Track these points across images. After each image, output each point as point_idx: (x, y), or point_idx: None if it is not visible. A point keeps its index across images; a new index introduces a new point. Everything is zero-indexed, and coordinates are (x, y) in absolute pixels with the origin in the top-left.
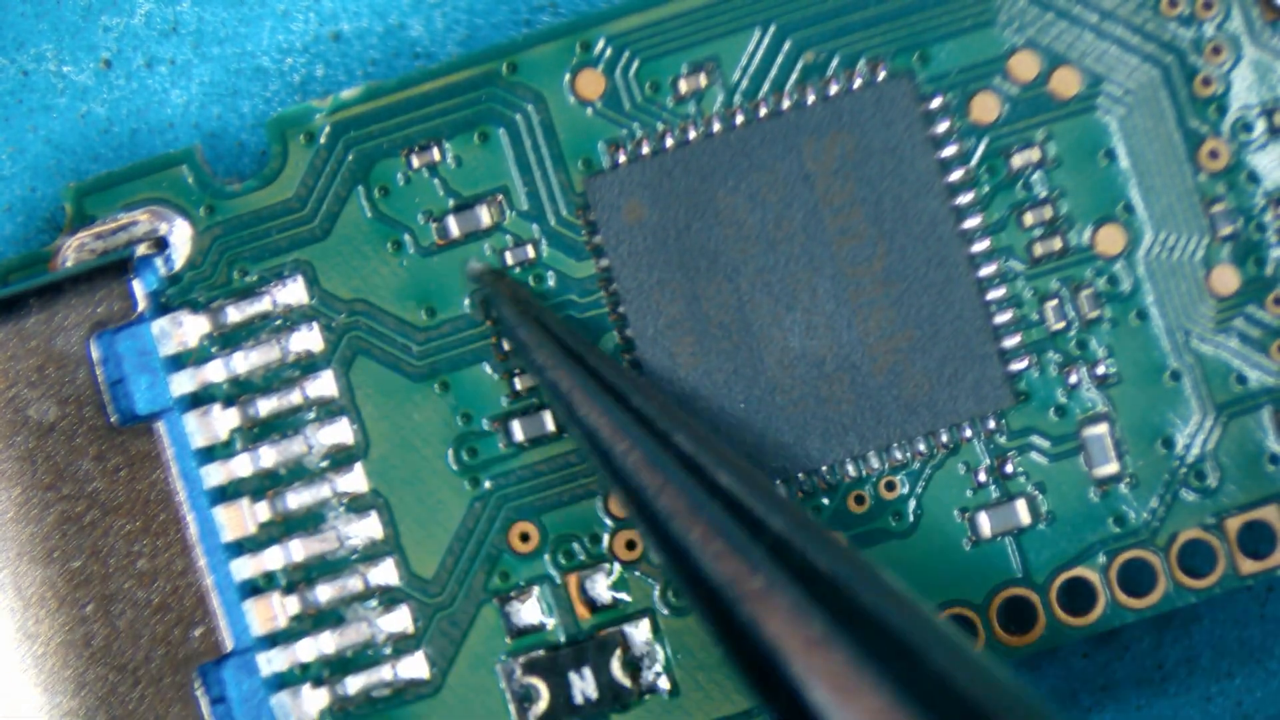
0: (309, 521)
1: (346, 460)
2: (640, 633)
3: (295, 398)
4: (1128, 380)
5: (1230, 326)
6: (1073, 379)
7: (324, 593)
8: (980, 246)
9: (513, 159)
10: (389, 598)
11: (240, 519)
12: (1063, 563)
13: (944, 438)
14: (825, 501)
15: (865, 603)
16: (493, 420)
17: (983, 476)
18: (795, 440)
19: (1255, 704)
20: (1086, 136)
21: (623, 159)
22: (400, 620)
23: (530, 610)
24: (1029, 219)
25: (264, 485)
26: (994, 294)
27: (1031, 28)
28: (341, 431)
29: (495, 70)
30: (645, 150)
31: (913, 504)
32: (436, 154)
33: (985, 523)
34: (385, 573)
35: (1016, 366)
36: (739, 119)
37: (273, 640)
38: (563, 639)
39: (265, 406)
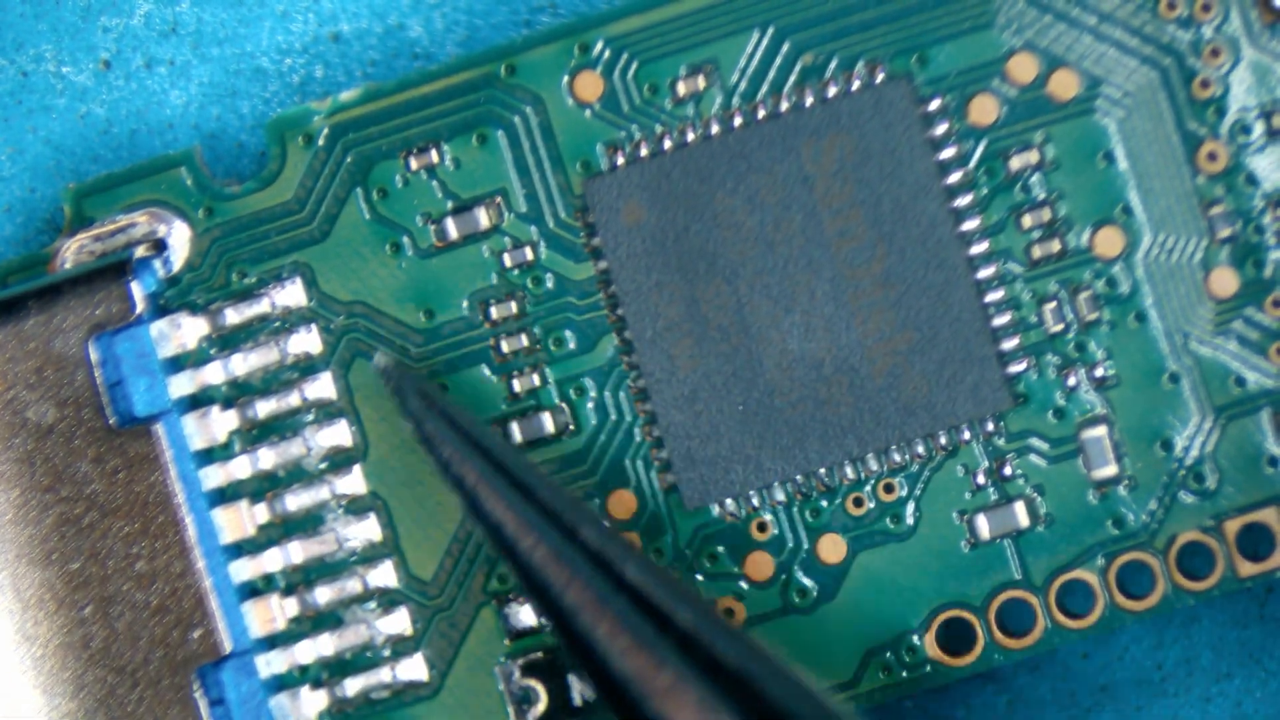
0: (308, 523)
1: (345, 462)
2: None
3: (294, 400)
4: (1126, 382)
5: (1229, 329)
6: (1071, 381)
7: (323, 595)
8: (979, 249)
9: (511, 161)
10: (388, 600)
11: (239, 521)
12: (1061, 565)
13: (943, 440)
14: (824, 504)
15: (773, 697)
16: (491, 422)
17: (981, 479)
18: (794, 442)
19: (1254, 705)
20: (1085, 139)
21: (621, 161)
22: (399, 622)
23: (529, 612)
24: (1028, 221)
25: (263, 487)
26: (993, 296)
27: (1030, 30)
28: (340, 433)
29: (494, 72)
30: (644, 152)
31: (911, 506)
32: (435, 156)
33: (984, 525)
34: (384, 575)
35: (1015, 369)
36: (737, 121)
37: (272, 642)
38: None
39: (264, 408)
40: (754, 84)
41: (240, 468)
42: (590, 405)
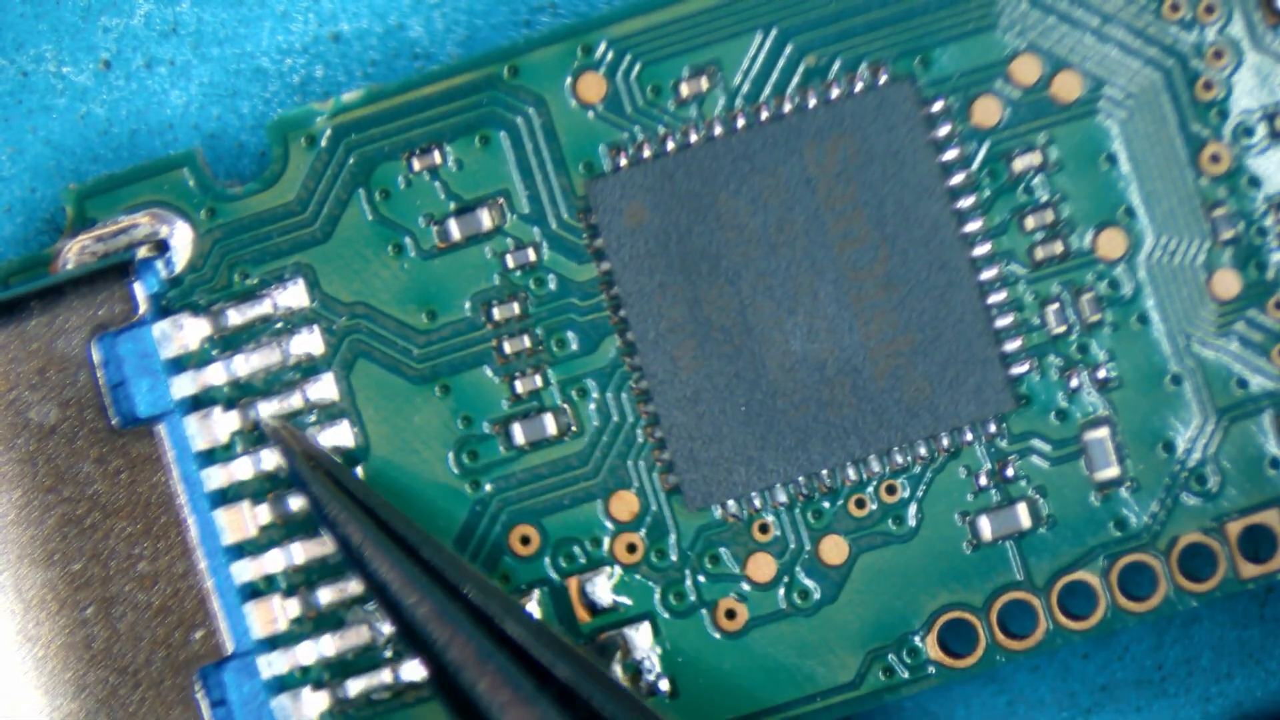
0: (309, 524)
1: (347, 463)
2: (641, 636)
3: (296, 400)
4: (1129, 384)
5: (1231, 330)
6: (1074, 383)
7: (324, 595)
8: (981, 250)
9: (514, 162)
10: None
11: (241, 522)
12: (1063, 566)
13: (945, 441)
14: (826, 505)
15: None
16: (493, 423)
17: (984, 480)
18: (796, 444)
19: (1255, 705)
20: (1088, 140)
21: (624, 162)
22: None
23: (531, 613)
24: (1030, 223)
25: (265, 488)
26: (995, 298)
27: (1033, 31)
28: (342, 434)
29: (496, 73)
30: (646, 153)
31: (914, 508)
32: (438, 157)
33: (986, 526)
34: None
35: (1017, 370)
36: (740, 122)
37: (273, 643)
38: None
39: (266, 409)
40: (757, 85)
41: (242, 468)
42: (592, 406)
